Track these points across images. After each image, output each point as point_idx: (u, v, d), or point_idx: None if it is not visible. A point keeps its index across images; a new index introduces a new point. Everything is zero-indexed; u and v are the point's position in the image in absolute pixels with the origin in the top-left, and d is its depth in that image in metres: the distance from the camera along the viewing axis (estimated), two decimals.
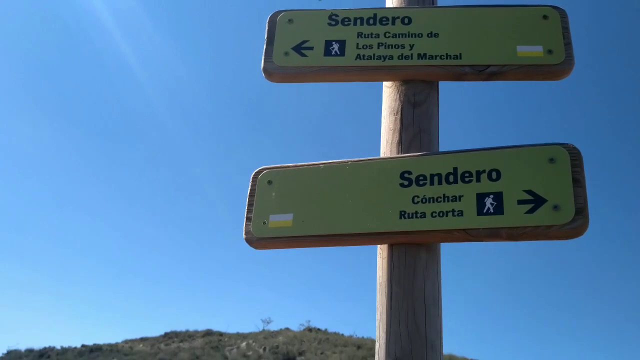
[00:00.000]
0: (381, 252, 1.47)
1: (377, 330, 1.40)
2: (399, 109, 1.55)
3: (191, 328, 36.74)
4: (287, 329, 33.38)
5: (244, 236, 1.55)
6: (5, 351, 35.26)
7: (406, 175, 1.43)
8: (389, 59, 1.58)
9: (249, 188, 1.61)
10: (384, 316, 1.37)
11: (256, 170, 1.63)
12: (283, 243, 1.53)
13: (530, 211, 1.31)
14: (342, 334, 32.06)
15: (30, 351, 33.87)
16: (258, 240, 1.53)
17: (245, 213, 1.58)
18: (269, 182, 1.59)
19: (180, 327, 38.50)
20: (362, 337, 31.30)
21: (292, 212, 1.51)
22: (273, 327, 35.26)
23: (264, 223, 1.53)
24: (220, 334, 33.97)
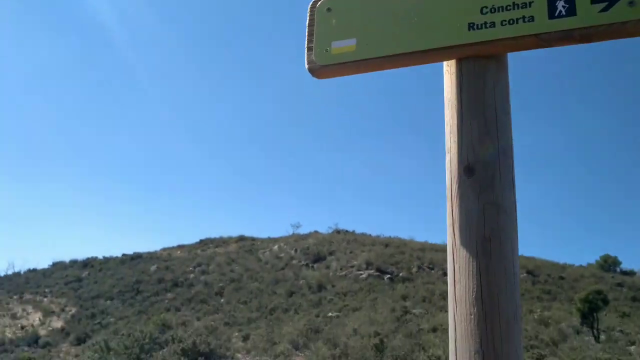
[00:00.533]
0: (448, 68, 1.46)
1: (446, 142, 1.42)
2: None
3: (225, 234, 38.15)
4: (316, 231, 34.38)
5: (307, 66, 1.55)
6: (51, 263, 37.30)
7: None
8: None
9: (308, 19, 1.59)
10: (454, 128, 1.39)
11: (313, 0, 1.60)
12: (347, 69, 1.53)
13: (605, 9, 1.27)
14: (370, 235, 32.97)
15: (74, 262, 35.73)
16: (321, 68, 1.53)
17: (306, 43, 1.57)
18: (328, 10, 1.56)
19: (214, 234, 40.02)
20: (389, 237, 32.22)
21: (355, 36, 1.49)
22: (302, 230, 36.34)
23: (326, 50, 1.52)
24: (253, 239, 35.21)
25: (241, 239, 35.76)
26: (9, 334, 20.67)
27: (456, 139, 1.37)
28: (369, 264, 23.06)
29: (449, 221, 1.36)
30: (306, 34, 1.57)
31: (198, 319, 18.82)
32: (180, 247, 37.39)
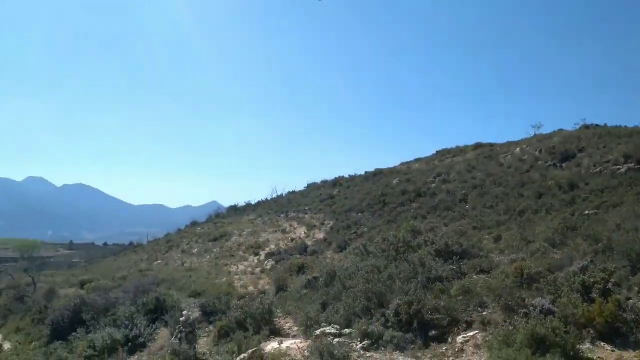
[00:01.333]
0: None
1: None
2: None
3: (460, 143, 37.83)
4: (561, 129, 31.87)
5: None
6: (305, 185, 41.61)
7: None
8: None
9: None
10: None
11: None
12: None
13: None
14: (625, 126, 29.31)
15: (325, 182, 39.28)
16: None
17: None
18: None
19: (449, 144, 39.99)
20: None
21: None
22: (544, 130, 34.05)
23: None
24: (491, 145, 34.24)
25: (478, 145, 35.07)
26: (282, 245, 23.98)
27: None
28: (627, 157, 20.71)
29: None
30: None
31: (445, 224, 19.32)
32: (417, 160, 38.27)
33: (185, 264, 24.82)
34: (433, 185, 26.69)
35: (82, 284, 22.99)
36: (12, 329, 18.97)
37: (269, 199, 41.70)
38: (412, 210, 23.40)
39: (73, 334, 13.70)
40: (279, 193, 42.09)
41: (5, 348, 13.77)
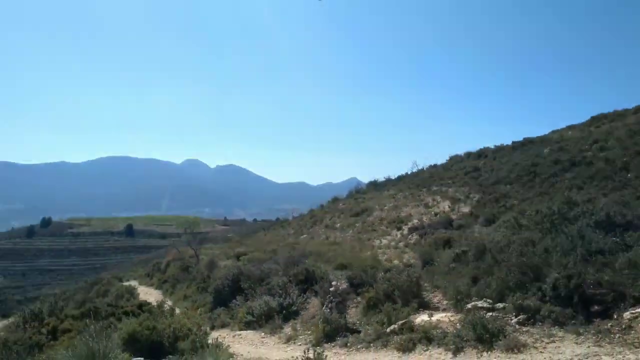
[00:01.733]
0: None
1: None
2: None
3: (619, 107, 34.42)
4: None
5: None
6: (447, 157, 40.61)
7: None
8: None
9: None
10: None
11: None
12: None
13: None
14: None
15: (469, 154, 38.02)
16: None
17: None
18: None
19: (606, 109, 36.54)
20: None
21: None
22: None
23: None
24: None
25: None
26: (425, 219, 23.72)
27: None
28: None
29: None
30: None
31: (604, 195, 17.78)
32: (570, 127, 35.53)
33: (329, 239, 25.59)
34: (589, 153, 24.61)
35: (237, 257, 24.76)
36: (181, 297, 21.02)
37: (409, 173, 41.33)
38: (567, 180, 21.81)
39: (233, 301, 14.84)
40: (419, 167, 41.52)
41: (176, 313, 15.28)
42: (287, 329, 11.76)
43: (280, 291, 13.62)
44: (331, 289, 11.12)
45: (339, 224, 29.29)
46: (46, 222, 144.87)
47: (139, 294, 24.67)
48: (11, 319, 28.51)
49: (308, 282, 14.01)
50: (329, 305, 10.72)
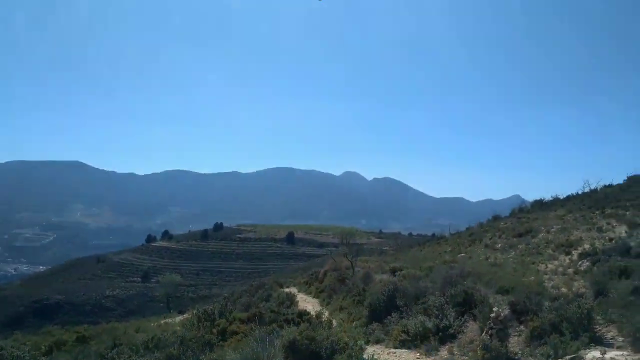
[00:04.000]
0: None
1: None
2: None
3: None
4: None
5: None
6: (625, 178, 36.77)
7: None
8: None
9: None
10: None
11: None
12: None
13: None
14: None
15: None
16: None
17: None
18: None
19: None
20: None
21: None
22: None
23: None
24: None
25: None
26: (599, 245, 21.68)
27: None
28: None
29: None
30: None
31: None
32: None
33: (489, 259, 24.54)
34: None
35: (393, 271, 24.78)
36: (337, 307, 21.59)
37: (580, 193, 38.18)
38: None
39: (388, 317, 14.87)
40: (592, 187, 38.15)
41: (333, 325, 15.73)
42: (444, 352, 11.50)
43: (437, 312, 13.36)
44: (492, 314, 10.66)
45: (499, 244, 27.98)
46: (218, 227, 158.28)
47: (297, 301, 25.82)
48: (186, 315, 31.49)
49: (466, 305, 13.58)
50: (489, 332, 10.28)
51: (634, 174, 36.62)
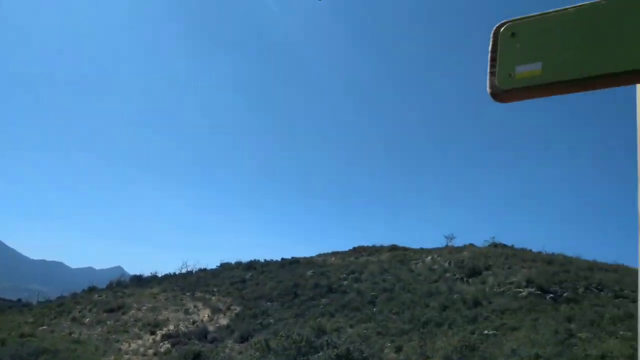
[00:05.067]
0: None
1: (638, 165, 1.38)
2: None
3: (377, 243, 38.53)
4: (472, 245, 33.22)
5: (489, 90, 1.58)
6: (219, 263, 40.53)
7: None
8: None
9: (490, 44, 1.62)
10: None
11: (497, 25, 1.62)
12: (532, 92, 1.53)
13: None
14: (530, 250, 31.00)
15: (239, 264, 38.43)
16: (504, 93, 1.55)
17: (488, 69, 1.59)
18: (513, 35, 1.58)
19: (366, 242, 40.58)
20: (553, 253, 29.97)
21: (541, 60, 1.50)
22: (456, 243, 35.37)
23: (510, 75, 1.54)
24: (405, 249, 35.06)
25: (393, 248, 35.81)
26: (182, 327, 22.86)
27: None
28: (529, 282, 21.75)
29: None
30: (489, 59, 1.60)
31: (351, 326, 19.21)
32: (334, 253, 38.47)
33: (73, 334, 22.99)
34: (345, 282, 26.74)
35: None
36: None
37: (177, 273, 40.09)
38: (322, 306, 23.17)
39: None
40: (189, 269, 40.59)
41: None
42: None
43: None
44: None
45: (88, 319, 26.61)
46: None
47: None
48: None
49: None
50: None
51: (227, 261, 40.56)
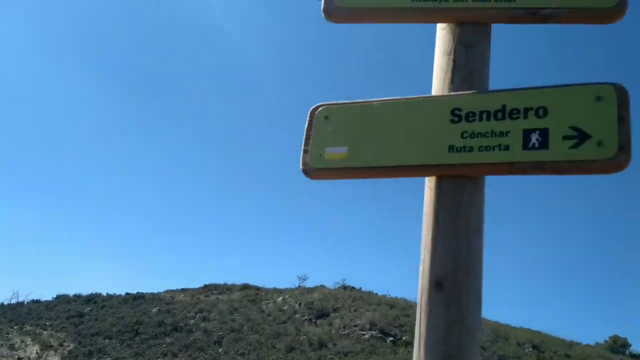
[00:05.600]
0: (429, 183, 1.56)
1: (421, 254, 1.51)
2: (452, 50, 1.62)
3: (229, 281, 37.85)
4: (322, 286, 33.97)
5: (301, 167, 1.67)
6: (55, 295, 37.16)
7: (456, 112, 1.51)
8: (444, 0, 1.63)
9: (307, 123, 1.71)
10: (429, 242, 1.47)
11: (314, 107, 1.73)
12: (338, 173, 1.64)
13: (575, 146, 1.37)
14: (376, 293, 32.38)
15: (78, 296, 35.58)
16: (314, 170, 1.65)
17: (303, 146, 1.69)
18: (326, 118, 1.69)
19: (218, 280, 39.63)
20: (396, 297, 31.65)
21: (347, 144, 1.62)
22: (309, 283, 35.94)
23: (321, 155, 1.64)
24: (257, 288, 34.89)
25: (245, 287, 35.47)
26: None
27: (429, 253, 1.46)
28: (372, 325, 22.68)
29: (416, 334, 1.43)
30: (304, 137, 1.70)
31: None
32: (183, 290, 37.12)
33: None
34: (192, 321, 25.85)
35: None
36: None
37: (5, 304, 36.08)
38: (165, 345, 22.11)
39: None
40: (20, 299, 36.72)
41: None
42: None
43: None
44: None
45: None
46: None
47: None
48: None
49: None
50: None
51: (63, 293, 37.36)
